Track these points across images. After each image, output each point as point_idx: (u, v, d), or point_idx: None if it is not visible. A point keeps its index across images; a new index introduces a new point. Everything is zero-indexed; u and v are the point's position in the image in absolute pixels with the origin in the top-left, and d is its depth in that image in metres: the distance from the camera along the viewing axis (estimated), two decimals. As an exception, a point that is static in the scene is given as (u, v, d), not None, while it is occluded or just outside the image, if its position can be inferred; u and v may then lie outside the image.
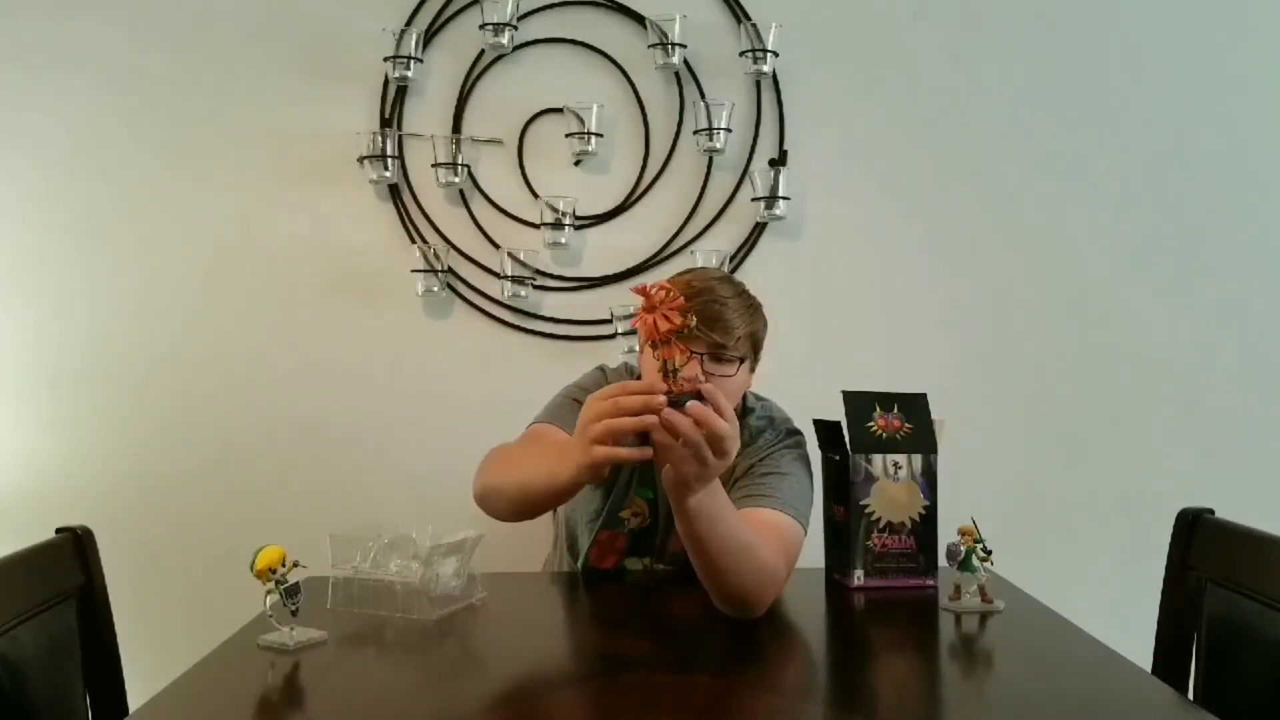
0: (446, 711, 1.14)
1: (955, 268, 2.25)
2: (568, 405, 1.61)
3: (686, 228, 2.23)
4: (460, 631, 1.40)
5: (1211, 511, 1.47)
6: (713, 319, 1.48)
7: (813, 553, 1.72)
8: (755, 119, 2.22)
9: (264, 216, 2.21)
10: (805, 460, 1.63)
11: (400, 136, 2.20)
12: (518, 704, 1.17)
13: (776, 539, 1.43)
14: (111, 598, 1.49)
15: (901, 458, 1.56)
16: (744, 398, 1.64)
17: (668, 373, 1.19)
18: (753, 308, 1.58)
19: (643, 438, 1.21)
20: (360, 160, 2.18)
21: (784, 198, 2.19)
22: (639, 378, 1.61)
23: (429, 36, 2.20)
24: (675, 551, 1.64)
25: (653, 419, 1.16)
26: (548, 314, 2.23)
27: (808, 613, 1.54)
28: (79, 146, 2.19)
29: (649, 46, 2.18)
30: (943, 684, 1.26)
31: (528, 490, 1.40)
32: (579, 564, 1.70)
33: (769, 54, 2.16)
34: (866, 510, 1.54)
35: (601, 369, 1.72)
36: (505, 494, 1.45)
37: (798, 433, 1.66)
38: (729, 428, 1.20)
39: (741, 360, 1.53)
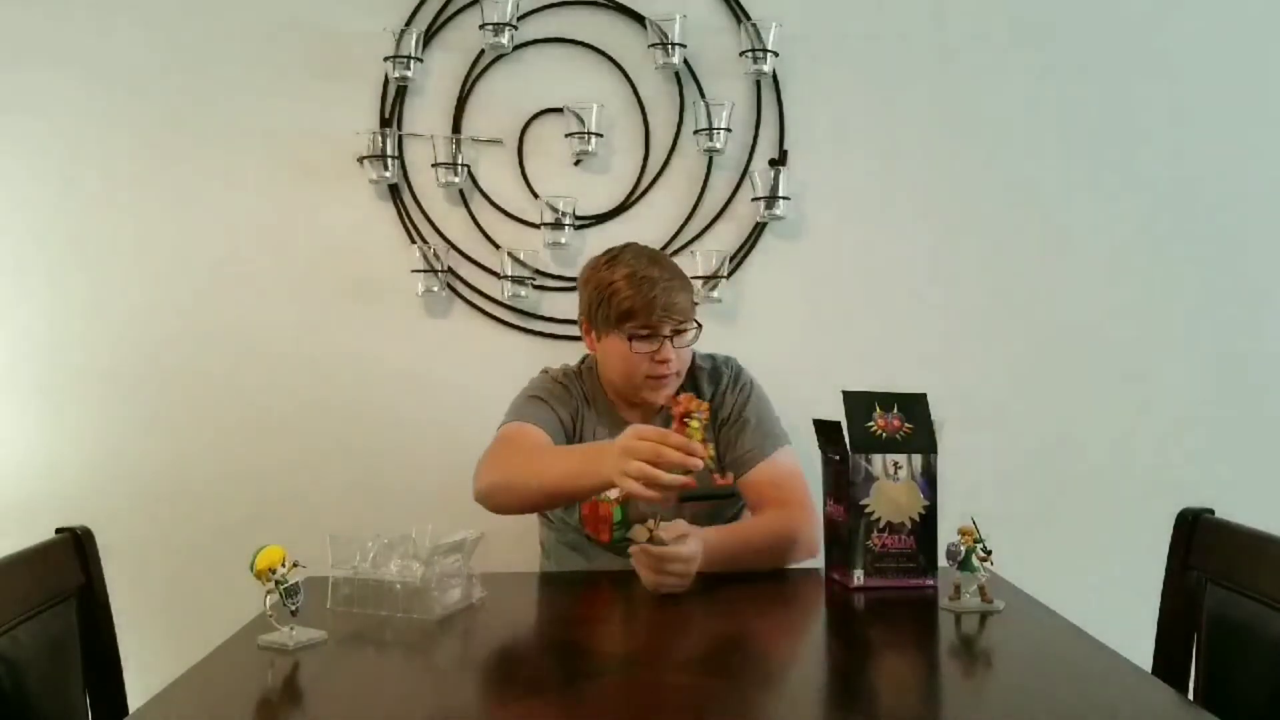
0: (446, 711, 1.14)
1: (955, 268, 2.25)
2: (534, 404, 1.74)
3: (686, 228, 2.23)
4: (460, 631, 1.40)
5: (1211, 511, 1.47)
6: (669, 305, 1.67)
7: (813, 552, 1.72)
8: (755, 119, 2.22)
9: (264, 216, 2.21)
10: (757, 392, 1.81)
11: (400, 136, 2.20)
12: (518, 704, 1.17)
13: (789, 487, 1.68)
14: (111, 598, 1.49)
15: (901, 458, 1.56)
16: None
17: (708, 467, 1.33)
18: (684, 275, 1.76)
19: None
20: (360, 160, 2.18)
21: (784, 198, 2.18)
22: (581, 378, 1.82)
23: (429, 36, 2.20)
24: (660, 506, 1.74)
25: (681, 480, 1.30)
26: (548, 314, 2.23)
27: (808, 613, 1.55)
28: (77, 147, 2.19)
29: (649, 46, 2.18)
30: (943, 684, 1.26)
31: (549, 488, 1.52)
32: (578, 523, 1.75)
33: (769, 54, 2.16)
34: (866, 510, 1.54)
35: (546, 371, 1.85)
36: (517, 490, 1.55)
37: (736, 366, 1.84)
38: (685, 559, 1.45)
39: (696, 327, 1.72)
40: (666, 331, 1.68)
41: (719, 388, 1.80)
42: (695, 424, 1.35)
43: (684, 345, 1.72)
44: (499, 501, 1.58)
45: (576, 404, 1.77)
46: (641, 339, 1.68)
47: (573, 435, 1.75)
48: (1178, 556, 1.49)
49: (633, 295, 1.67)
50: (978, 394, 2.24)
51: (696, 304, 1.79)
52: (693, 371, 1.82)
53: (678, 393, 1.71)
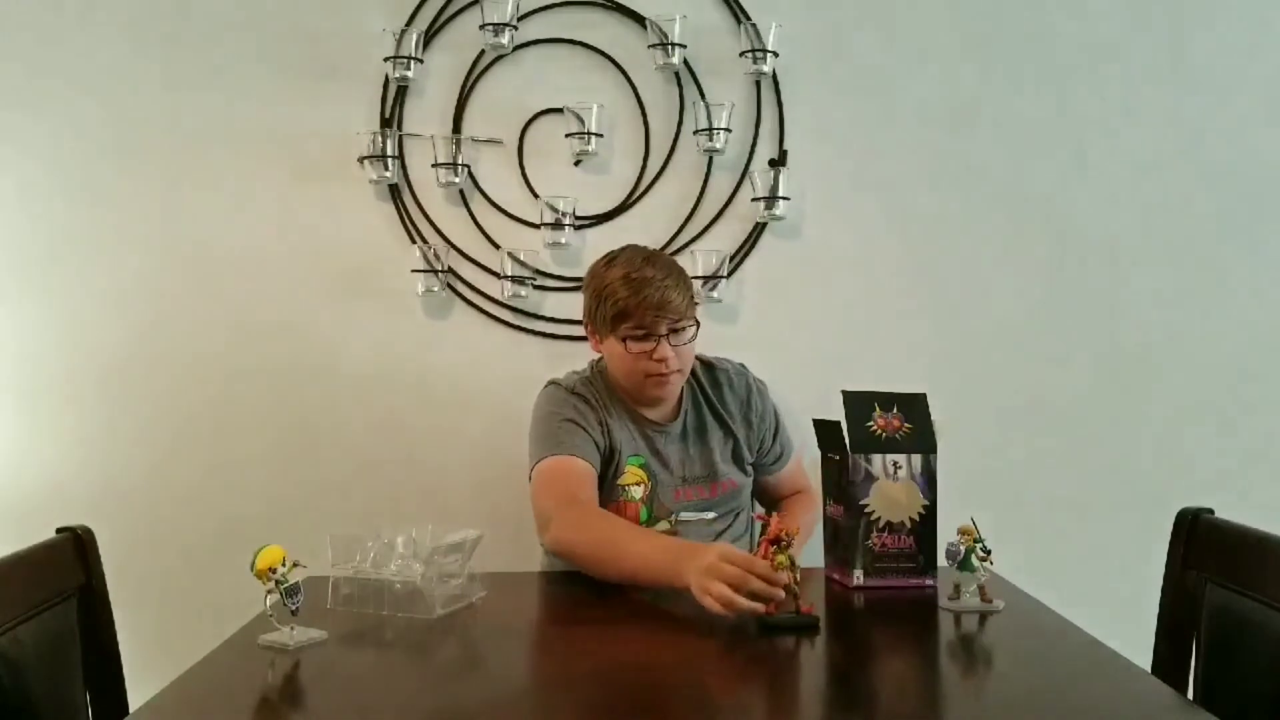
0: (446, 711, 1.14)
1: (955, 267, 2.25)
2: (568, 430, 1.73)
3: (686, 228, 2.23)
4: (460, 631, 1.40)
5: (1211, 511, 1.47)
6: (662, 303, 1.68)
7: (813, 553, 1.72)
8: (755, 119, 2.22)
9: (264, 216, 2.21)
10: (770, 400, 1.92)
11: (400, 136, 2.20)
12: (518, 704, 1.17)
13: (801, 474, 1.94)
14: (111, 598, 1.49)
15: (901, 457, 1.56)
16: (697, 358, 1.85)
17: (792, 595, 1.35)
18: (682, 275, 1.76)
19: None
20: (360, 160, 2.18)
21: (784, 198, 2.18)
22: (594, 382, 1.82)
23: (429, 36, 2.20)
24: (677, 502, 1.81)
25: (760, 609, 1.32)
26: (548, 314, 2.23)
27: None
28: (76, 147, 2.19)
29: (649, 47, 2.18)
30: (943, 684, 1.26)
31: (628, 575, 1.52)
32: None
33: (769, 54, 2.16)
34: (866, 510, 1.54)
35: (555, 383, 1.84)
36: (600, 563, 1.55)
37: (754, 379, 1.90)
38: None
39: (695, 324, 1.74)
40: (662, 330, 1.70)
41: (751, 391, 1.88)
42: (783, 558, 1.35)
43: (682, 343, 1.73)
44: (577, 564, 1.61)
45: (600, 414, 1.79)
46: (637, 339, 1.71)
47: (606, 450, 1.77)
48: (1178, 556, 1.49)
49: (626, 296, 1.69)
50: (977, 393, 2.24)
51: (697, 303, 1.81)
52: (714, 373, 1.88)
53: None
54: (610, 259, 1.78)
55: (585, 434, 1.74)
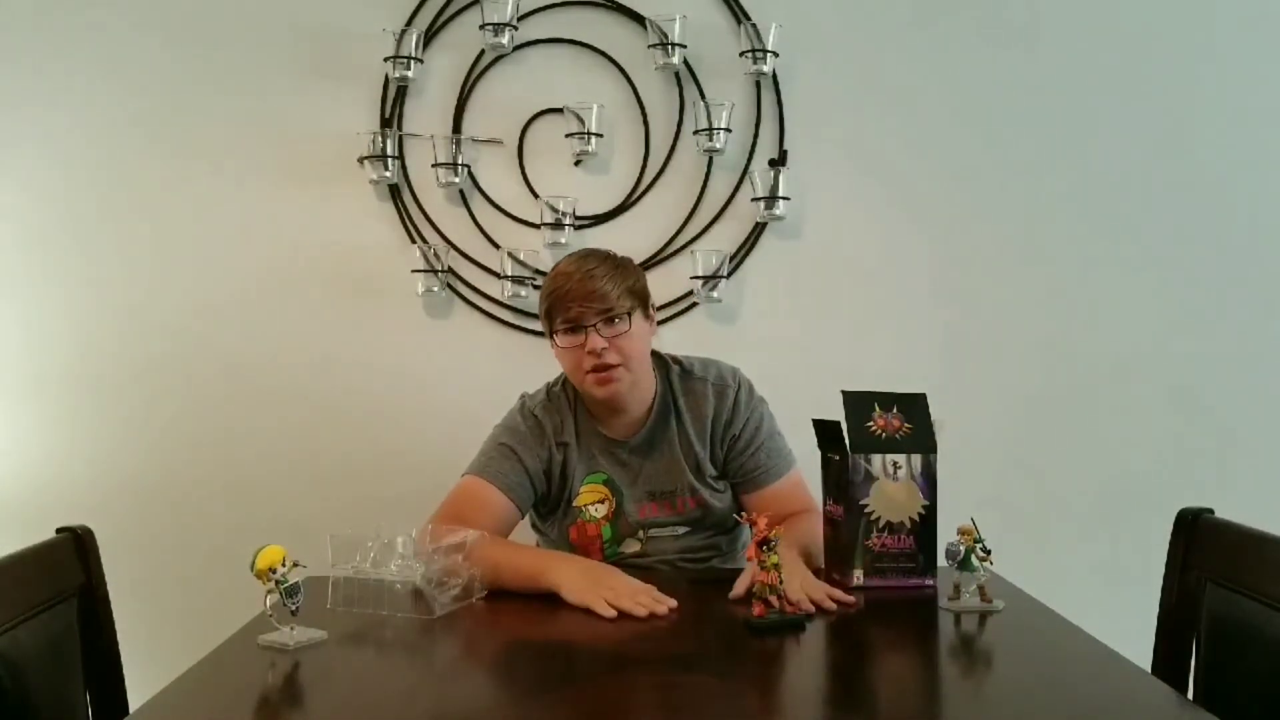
0: (446, 711, 1.14)
1: (954, 267, 2.25)
2: (502, 456, 1.71)
3: (686, 228, 2.23)
4: (460, 631, 1.40)
5: (1211, 511, 1.47)
6: (588, 293, 1.61)
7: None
8: (755, 119, 2.22)
9: (264, 216, 2.21)
10: (768, 410, 1.79)
11: (400, 136, 2.20)
12: (518, 704, 1.17)
13: (801, 493, 1.75)
14: (111, 598, 1.49)
15: (901, 458, 1.56)
16: (679, 362, 1.78)
17: (763, 598, 1.35)
18: (622, 266, 1.69)
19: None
20: (360, 160, 2.18)
21: (784, 198, 2.19)
22: (563, 395, 1.77)
23: (429, 36, 2.20)
24: (642, 519, 1.74)
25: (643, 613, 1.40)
26: (548, 314, 2.23)
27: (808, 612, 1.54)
28: (79, 147, 2.20)
29: (649, 47, 2.18)
30: (943, 684, 1.26)
31: (503, 585, 1.53)
32: None
33: (769, 54, 2.16)
34: (866, 510, 1.54)
35: (522, 398, 1.80)
36: (479, 568, 1.50)
37: (745, 381, 1.78)
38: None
39: (629, 313, 1.65)
40: (590, 321, 1.62)
41: (725, 402, 1.74)
42: (774, 558, 1.34)
43: (617, 334, 1.63)
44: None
45: (549, 442, 1.73)
46: (566, 332, 1.64)
47: (546, 480, 1.73)
48: (1178, 556, 1.49)
49: (552, 291, 1.64)
50: (977, 393, 2.24)
51: (641, 289, 1.69)
52: (690, 381, 1.76)
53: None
54: (557, 263, 1.73)
55: (518, 464, 1.70)
